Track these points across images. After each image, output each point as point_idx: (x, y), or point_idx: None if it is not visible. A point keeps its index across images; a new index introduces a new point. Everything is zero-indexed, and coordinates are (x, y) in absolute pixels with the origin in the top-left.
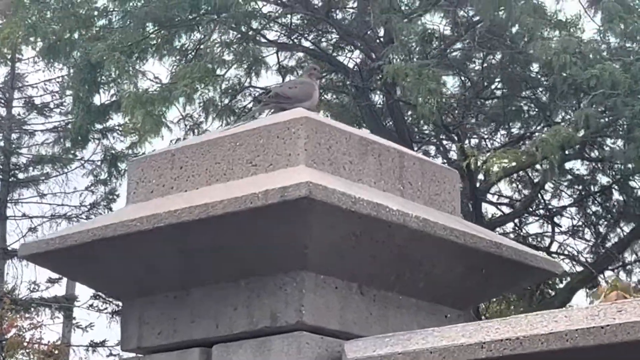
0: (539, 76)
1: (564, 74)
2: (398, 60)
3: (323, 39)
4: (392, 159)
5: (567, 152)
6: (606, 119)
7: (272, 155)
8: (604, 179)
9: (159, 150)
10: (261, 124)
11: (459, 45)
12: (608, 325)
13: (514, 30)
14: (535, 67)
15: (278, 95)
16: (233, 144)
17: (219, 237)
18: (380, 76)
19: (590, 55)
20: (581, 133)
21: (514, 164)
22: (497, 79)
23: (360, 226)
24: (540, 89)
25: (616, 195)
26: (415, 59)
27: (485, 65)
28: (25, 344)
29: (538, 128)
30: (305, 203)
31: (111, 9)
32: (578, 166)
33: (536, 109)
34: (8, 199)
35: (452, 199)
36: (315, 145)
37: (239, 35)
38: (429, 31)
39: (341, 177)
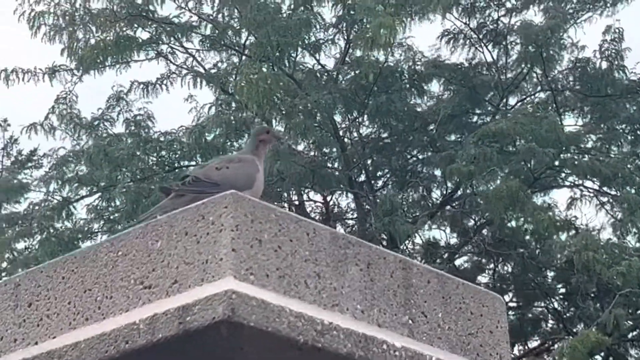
0: (555, 283)
1: (586, 274)
2: None
3: None
4: (392, 273)
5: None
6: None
7: (176, 267)
8: None
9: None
10: (161, 218)
11: (465, 258)
12: None
13: (524, 227)
14: (550, 274)
15: (198, 180)
16: (113, 255)
17: None
18: None
19: (616, 251)
20: (610, 337)
21: None
22: (510, 290)
23: None
24: (557, 297)
25: None
26: None
27: (496, 276)
28: None
29: (557, 339)
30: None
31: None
32: None
33: (554, 319)
34: None
35: (495, 343)
36: (252, 245)
37: None
38: (433, 240)
39: (301, 299)
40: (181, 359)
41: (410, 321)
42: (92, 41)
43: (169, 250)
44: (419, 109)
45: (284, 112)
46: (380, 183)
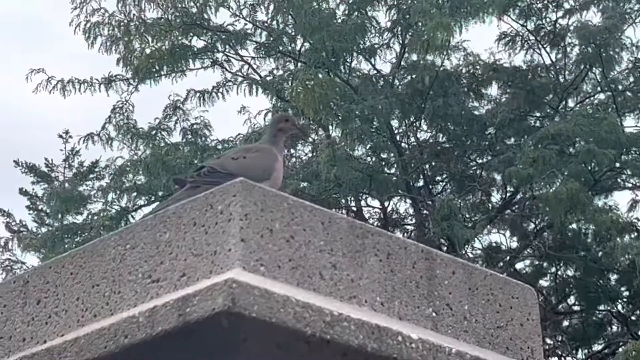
0: (619, 286)
1: None
2: None
3: None
4: (415, 264)
5: None
6: None
7: (185, 259)
8: None
9: (5, 279)
10: (169, 209)
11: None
12: None
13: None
14: (613, 277)
15: (214, 171)
16: (121, 248)
17: None
18: None
19: None
20: None
21: None
22: (572, 293)
23: None
24: (621, 300)
25: None
26: None
27: (558, 280)
28: None
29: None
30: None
31: None
32: None
33: (618, 323)
34: None
35: (526, 336)
36: (263, 234)
37: None
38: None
39: (316, 291)
40: (182, 352)
41: (434, 314)
42: (148, 51)
43: (177, 242)
44: (476, 113)
45: (340, 118)
46: (438, 188)
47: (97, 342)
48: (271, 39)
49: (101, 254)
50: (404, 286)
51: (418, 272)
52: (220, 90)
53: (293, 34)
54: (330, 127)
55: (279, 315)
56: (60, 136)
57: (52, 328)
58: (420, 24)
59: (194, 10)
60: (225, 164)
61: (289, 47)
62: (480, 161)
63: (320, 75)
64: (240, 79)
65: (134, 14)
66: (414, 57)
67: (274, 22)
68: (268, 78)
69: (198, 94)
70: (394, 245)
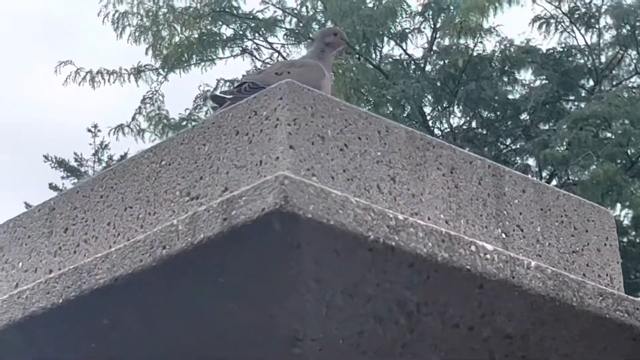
0: None
1: None
2: None
3: None
4: (481, 180)
5: None
6: None
7: (227, 172)
8: None
9: (33, 207)
10: (208, 119)
11: None
12: None
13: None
14: None
15: (256, 87)
16: (156, 165)
17: None
18: None
19: None
20: None
21: None
22: None
23: None
24: None
25: None
26: None
27: None
28: None
29: None
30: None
31: None
32: None
33: None
34: None
35: (604, 262)
36: (314, 142)
37: None
38: None
39: (373, 202)
40: (229, 262)
41: (503, 235)
42: (177, 39)
43: (218, 154)
44: (510, 97)
45: (372, 103)
46: None
47: (131, 256)
48: (301, 25)
49: (134, 173)
50: (470, 204)
51: (485, 189)
52: None
53: (323, 20)
54: None
55: (338, 217)
56: (90, 130)
57: (82, 257)
58: (452, 7)
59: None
60: (268, 79)
61: None
62: (514, 146)
63: (350, 61)
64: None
65: (162, 2)
66: (446, 41)
67: (304, 9)
68: None
69: (228, 83)
70: (458, 159)
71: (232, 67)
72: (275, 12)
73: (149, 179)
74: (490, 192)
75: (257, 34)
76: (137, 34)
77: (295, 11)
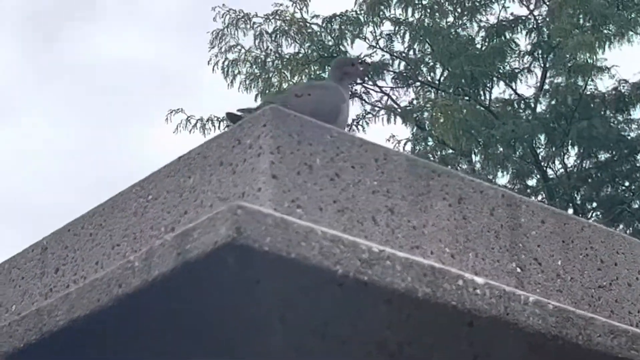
0: None
1: None
2: None
3: None
4: (493, 210)
5: None
6: None
7: (210, 205)
8: None
9: (26, 248)
10: (194, 149)
11: None
12: None
13: None
14: None
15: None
16: (143, 200)
17: None
18: None
19: None
20: None
21: None
22: None
23: None
24: None
25: None
26: None
27: None
28: None
29: None
30: None
31: None
32: None
33: None
34: None
35: (635, 298)
36: (300, 171)
37: None
38: None
39: (368, 239)
40: (185, 302)
41: (518, 269)
42: (285, 85)
43: (202, 187)
44: (625, 134)
45: (481, 144)
46: (590, 216)
47: (89, 296)
48: (409, 68)
49: (122, 209)
50: (480, 236)
51: (498, 221)
52: (360, 122)
53: (430, 62)
54: (472, 154)
55: (300, 250)
56: None
57: None
58: (561, 44)
59: (330, 43)
60: (288, 101)
61: (429, 77)
62: (633, 187)
63: (459, 102)
64: (378, 109)
65: (270, 49)
66: (558, 79)
67: (411, 52)
68: (407, 107)
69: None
70: (466, 188)
71: None
72: (383, 55)
73: (135, 214)
74: (504, 223)
75: (365, 78)
76: (247, 81)
77: (403, 54)
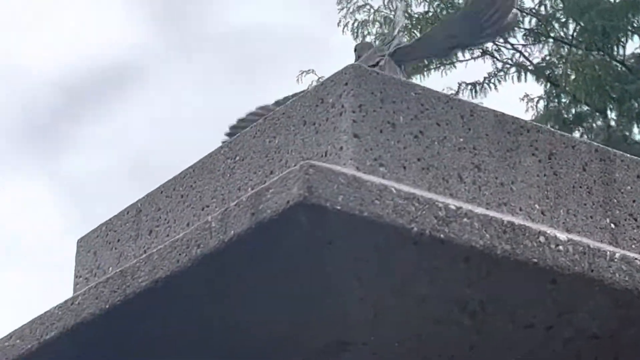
0: None
1: None
2: None
3: None
4: (585, 166)
5: None
6: None
7: (294, 165)
8: None
9: (121, 210)
10: (279, 109)
11: None
12: None
13: None
14: None
15: None
16: (230, 162)
17: None
18: None
19: None
20: None
21: None
22: None
23: None
24: None
25: None
26: None
27: None
28: None
29: None
30: None
31: None
32: None
33: None
34: None
35: None
36: (382, 129)
37: None
38: None
39: (454, 196)
40: (260, 262)
41: (612, 225)
42: None
43: (287, 146)
44: None
45: (615, 99)
46: None
47: (170, 257)
48: (540, 24)
49: (210, 170)
50: (572, 192)
51: (590, 176)
52: (492, 80)
53: (562, 17)
54: (607, 110)
55: (374, 209)
56: None
57: None
58: None
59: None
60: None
61: (561, 33)
62: None
63: (592, 58)
64: (509, 67)
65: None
66: None
67: (542, 7)
68: (539, 65)
69: (469, 86)
70: (557, 143)
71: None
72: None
73: (224, 175)
74: (597, 178)
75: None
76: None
77: (534, 10)
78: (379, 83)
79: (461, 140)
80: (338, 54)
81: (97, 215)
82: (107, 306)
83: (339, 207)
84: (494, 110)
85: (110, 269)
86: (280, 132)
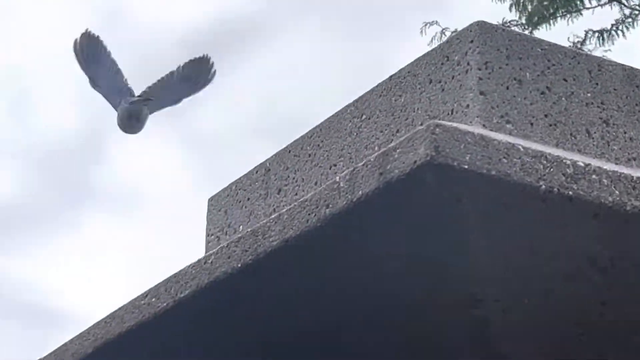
0: None
1: None
2: None
3: None
4: None
5: None
6: None
7: (420, 124)
8: None
9: (252, 168)
10: (404, 68)
11: None
12: None
13: None
14: None
15: None
16: (357, 120)
17: None
18: None
19: None
20: None
21: None
22: None
23: None
24: None
25: None
26: None
27: None
28: None
29: None
30: None
31: None
32: None
33: None
34: None
35: None
36: (509, 86)
37: None
38: None
39: (582, 152)
40: (388, 220)
41: None
42: None
43: (413, 105)
44: None
45: None
46: None
47: (299, 216)
48: None
49: (337, 129)
50: None
51: None
52: (620, 27)
53: None
54: None
55: (501, 167)
56: None
57: None
58: None
59: None
60: None
61: None
62: None
63: None
64: (638, 13)
65: None
66: None
67: None
68: None
69: (597, 34)
70: None
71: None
72: None
73: (351, 134)
74: None
75: None
76: None
77: None
78: (505, 39)
79: (589, 95)
80: (461, 4)
81: (226, 172)
82: (239, 265)
83: (466, 166)
84: (622, 65)
85: (241, 227)
86: (406, 90)
